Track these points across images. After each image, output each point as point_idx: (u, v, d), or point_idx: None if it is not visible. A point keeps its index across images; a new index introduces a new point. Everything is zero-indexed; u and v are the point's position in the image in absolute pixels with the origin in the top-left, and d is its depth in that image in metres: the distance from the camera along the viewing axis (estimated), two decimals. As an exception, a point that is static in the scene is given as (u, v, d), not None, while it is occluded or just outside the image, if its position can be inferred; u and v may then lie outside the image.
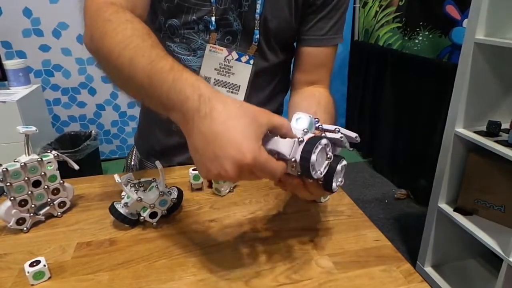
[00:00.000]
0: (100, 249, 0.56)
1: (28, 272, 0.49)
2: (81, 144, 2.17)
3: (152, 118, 0.87)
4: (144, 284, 0.49)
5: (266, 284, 0.49)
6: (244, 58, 0.74)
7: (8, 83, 2.12)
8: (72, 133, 2.43)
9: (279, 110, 0.89)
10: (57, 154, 0.63)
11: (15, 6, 2.30)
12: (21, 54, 2.42)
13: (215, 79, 0.76)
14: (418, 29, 2.11)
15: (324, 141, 0.44)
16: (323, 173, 0.45)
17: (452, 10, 1.89)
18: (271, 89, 0.82)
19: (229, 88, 0.76)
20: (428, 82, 2.07)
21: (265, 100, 0.82)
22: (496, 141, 1.22)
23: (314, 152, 0.42)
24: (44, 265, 0.50)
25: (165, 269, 0.52)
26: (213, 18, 0.70)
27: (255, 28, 0.71)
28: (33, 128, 0.61)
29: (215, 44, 0.73)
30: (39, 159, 0.60)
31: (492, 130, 1.28)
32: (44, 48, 2.44)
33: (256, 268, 0.51)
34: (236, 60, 0.74)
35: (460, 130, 1.35)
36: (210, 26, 0.71)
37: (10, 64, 2.07)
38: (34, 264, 0.49)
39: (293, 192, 0.52)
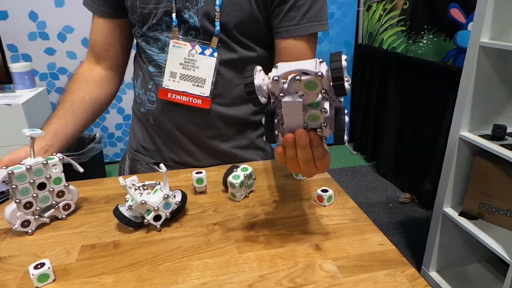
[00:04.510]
0: (104, 251, 0.56)
1: (32, 275, 0.49)
2: (85, 147, 2.18)
3: (134, 113, 0.91)
4: (148, 287, 0.49)
5: (270, 288, 0.49)
6: (207, 51, 0.75)
7: (13, 86, 2.14)
8: (77, 135, 2.44)
9: (251, 120, 0.84)
10: (62, 157, 0.64)
11: (21, 9, 2.32)
12: (27, 57, 2.44)
13: (180, 73, 0.77)
14: (422, 33, 2.11)
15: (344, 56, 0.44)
16: (348, 90, 0.44)
17: (456, 14, 1.89)
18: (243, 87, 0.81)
19: (194, 82, 0.76)
20: (433, 86, 2.07)
21: (237, 100, 0.80)
22: (502, 145, 1.22)
23: (343, 59, 0.42)
24: (49, 268, 0.50)
25: (169, 272, 0.52)
26: (173, 15, 0.72)
27: (215, 19, 0.71)
28: (39, 131, 0.62)
29: (178, 40, 0.75)
30: (44, 161, 0.61)
31: (498, 134, 1.27)
32: (50, 51, 2.46)
33: (260, 272, 0.51)
34: (200, 54, 0.75)
35: (465, 133, 1.34)
36: (172, 23, 0.73)
37: (15, 67, 2.09)
38: (39, 266, 0.50)
39: (293, 165, 0.51)
